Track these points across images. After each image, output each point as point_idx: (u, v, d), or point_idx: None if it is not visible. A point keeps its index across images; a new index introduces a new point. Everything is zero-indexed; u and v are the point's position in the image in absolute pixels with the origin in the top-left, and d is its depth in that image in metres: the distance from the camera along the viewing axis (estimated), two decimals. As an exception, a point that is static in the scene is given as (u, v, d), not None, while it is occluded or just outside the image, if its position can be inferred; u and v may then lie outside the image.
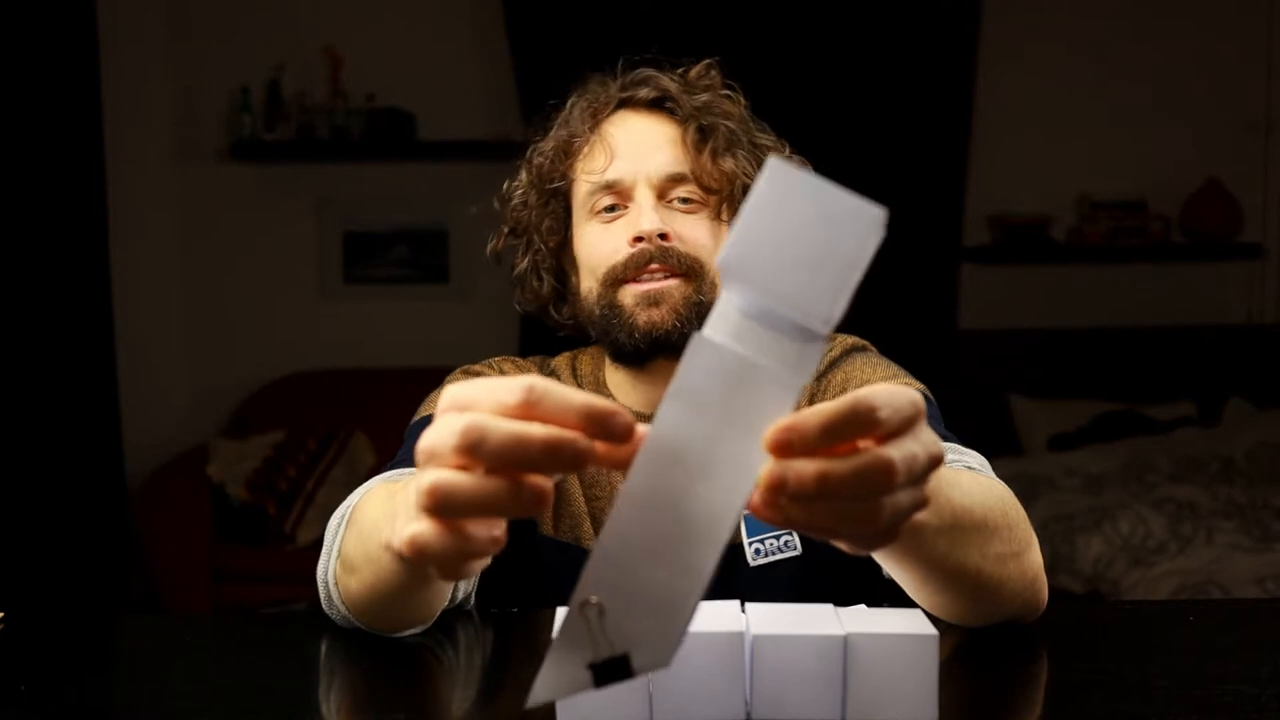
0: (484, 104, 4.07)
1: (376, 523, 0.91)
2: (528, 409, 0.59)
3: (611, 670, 0.59)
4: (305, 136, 4.02)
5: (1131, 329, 4.27)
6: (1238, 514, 3.42)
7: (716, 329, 0.60)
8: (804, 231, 0.57)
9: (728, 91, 1.29)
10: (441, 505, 0.60)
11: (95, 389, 3.57)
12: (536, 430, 0.58)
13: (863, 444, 0.61)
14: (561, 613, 0.82)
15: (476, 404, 0.61)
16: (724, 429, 0.59)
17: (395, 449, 1.24)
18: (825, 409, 0.60)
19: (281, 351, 4.15)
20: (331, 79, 4.02)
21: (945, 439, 1.17)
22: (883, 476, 0.60)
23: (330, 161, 4.14)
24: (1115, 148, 4.26)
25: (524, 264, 1.34)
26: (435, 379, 1.31)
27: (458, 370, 1.31)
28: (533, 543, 1.26)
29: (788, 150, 1.31)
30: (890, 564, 0.95)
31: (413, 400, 1.29)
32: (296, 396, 4.04)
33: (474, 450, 0.59)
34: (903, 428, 0.62)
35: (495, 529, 0.62)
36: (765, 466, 0.58)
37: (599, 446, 0.60)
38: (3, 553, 3.16)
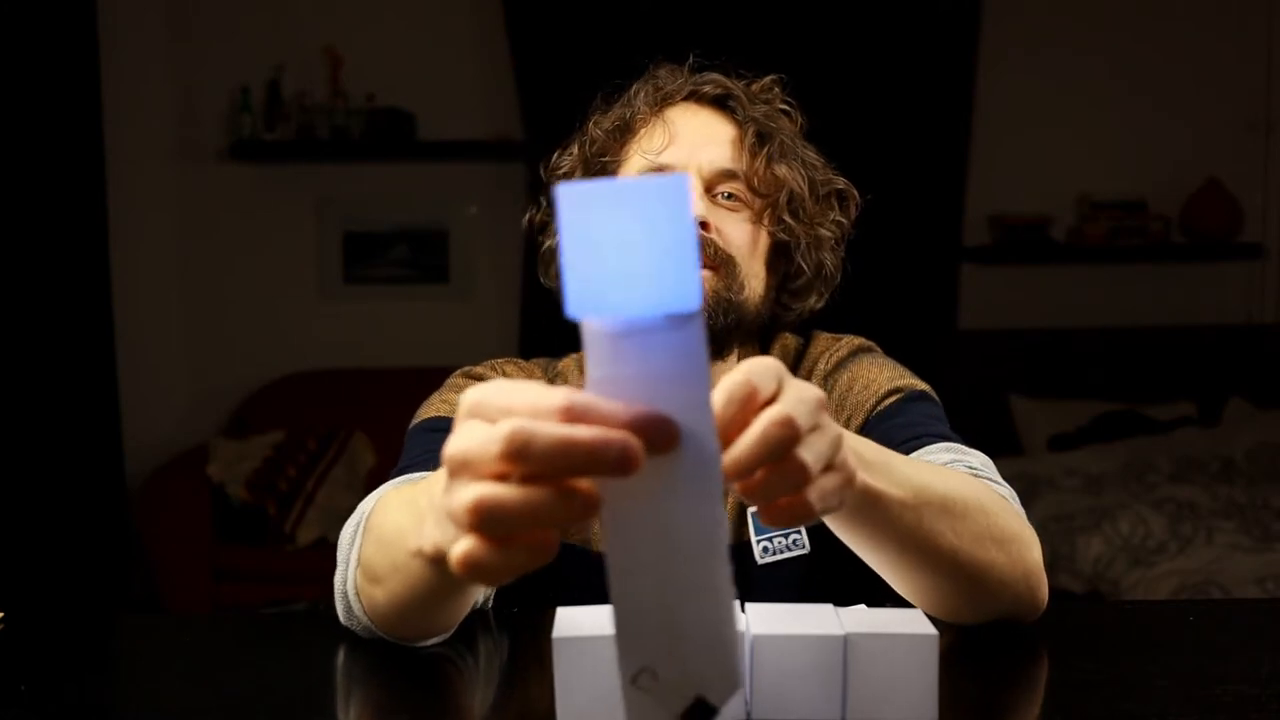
0: (484, 104, 4.06)
1: (401, 529, 0.89)
2: (570, 418, 0.57)
3: (697, 716, 0.58)
4: (305, 136, 4.02)
5: (1132, 329, 4.27)
6: (1238, 514, 3.42)
7: (599, 366, 0.58)
8: (623, 235, 0.55)
9: (786, 108, 1.32)
10: (489, 522, 0.57)
11: (95, 389, 3.57)
12: (583, 432, 0.56)
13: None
14: (563, 613, 0.82)
15: (512, 409, 0.58)
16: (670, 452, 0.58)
17: (395, 449, 1.24)
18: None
19: (281, 351, 4.15)
20: (331, 79, 4.02)
21: (948, 438, 1.17)
22: (779, 431, 0.65)
23: (330, 162, 4.14)
24: (1115, 148, 4.26)
25: (556, 238, 1.33)
26: (435, 379, 1.31)
27: (457, 373, 1.31)
28: None
29: (833, 173, 1.33)
30: (863, 546, 0.96)
31: (413, 400, 1.28)
32: (296, 396, 4.04)
33: (519, 456, 0.56)
34: (776, 391, 0.67)
35: (547, 536, 0.59)
36: (716, 457, 0.58)
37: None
38: (3, 553, 3.16)
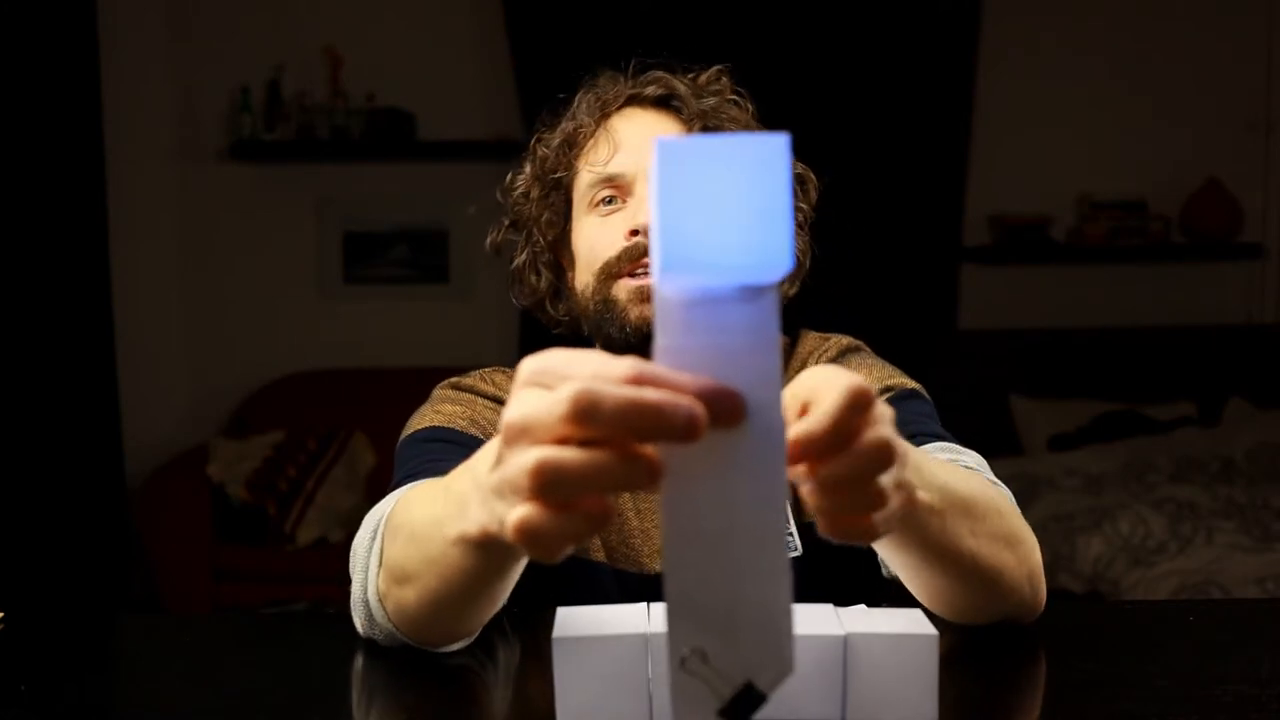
0: (484, 104, 4.06)
1: (436, 520, 0.86)
2: (636, 383, 0.55)
3: (743, 704, 0.57)
4: (305, 136, 4.02)
5: (1132, 329, 4.27)
6: (1238, 514, 3.41)
7: (668, 334, 0.57)
8: (717, 194, 0.54)
9: (735, 98, 1.29)
10: (551, 485, 0.56)
11: (95, 389, 3.56)
12: (651, 394, 0.54)
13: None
14: (563, 613, 0.82)
15: (575, 375, 0.57)
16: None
17: (394, 450, 1.22)
18: (828, 410, 0.62)
19: (281, 351, 4.15)
20: (331, 79, 4.02)
21: (941, 438, 1.17)
22: (883, 455, 0.64)
23: (330, 161, 4.14)
24: (1115, 148, 4.25)
25: (522, 257, 1.33)
26: (435, 379, 1.30)
27: (444, 385, 1.29)
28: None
29: (795, 162, 1.30)
30: (891, 550, 0.95)
31: (413, 400, 1.28)
32: (296, 396, 4.04)
33: (586, 417, 0.54)
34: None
35: (606, 503, 0.57)
36: (781, 433, 0.57)
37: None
38: (3, 553, 3.15)
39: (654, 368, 0.56)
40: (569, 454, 0.55)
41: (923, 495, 0.83)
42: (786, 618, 0.57)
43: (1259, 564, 3.04)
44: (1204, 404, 4.12)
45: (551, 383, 0.58)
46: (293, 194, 4.14)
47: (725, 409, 0.55)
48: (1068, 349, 4.25)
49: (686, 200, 0.54)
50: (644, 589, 1.20)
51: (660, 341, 0.56)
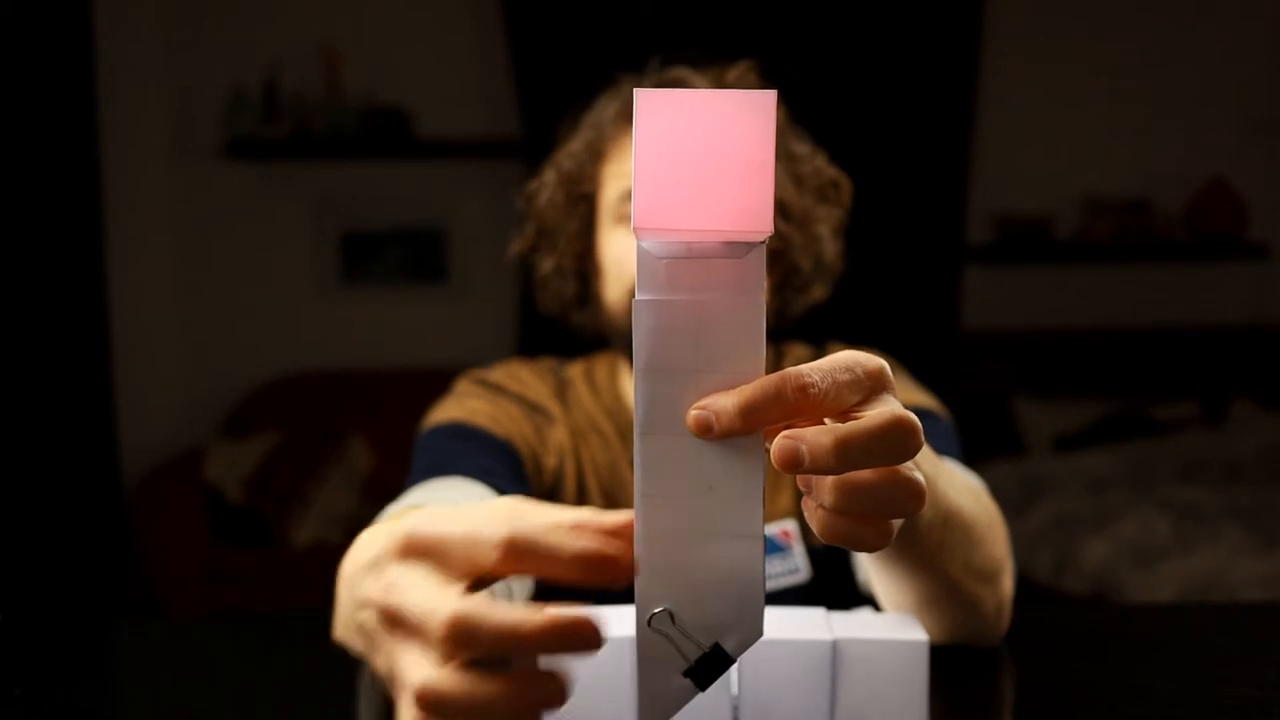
0: (482, 102, 4.05)
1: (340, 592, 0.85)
2: (512, 562, 0.52)
3: (709, 667, 0.56)
4: (302, 135, 4.00)
5: (1136, 329, 4.25)
6: (1243, 516, 3.39)
7: (650, 289, 0.56)
8: (700, 148, 0.53)
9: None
10: (438, 712, 0.51)
11: (91, 389, 3.56)
12: (533, 622, 0.50)
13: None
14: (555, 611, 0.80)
15: (446, 553, 0.53)
16: (707, 380, 0.55)
17: (394, 450, 1.22)
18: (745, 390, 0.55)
19: (278, 352, 4.14)
20: (328, 77, 4.01)
21: (961, 460, 1.14)
22: (908, 434, 0.54)
23: (327, 160, 4.12)
24: (1119, 146, 4.24)
25: (549, 266, 1.31)
26: (434, 379, 1.29)
27: (468, 376, 1.29)
28: None
29: (823, 161, 1.29)
30: (879, 559, 0.90)
31: (412, 400, 1.27)
32: (294, 397, 4.02)
33: (464, 644, 0.50)
34: (876, 388, 0.56)
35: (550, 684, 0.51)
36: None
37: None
38: (-3, 554, 3.15)
39: (529, 529, 0.52)
40: (452, 684, 0.51)
41: (926, 511, 0.79)
42: (757, 581, 0.56)
43: (1264, 566, 3.02)
44: (1209, 405, 4.11)
45: (429, 560, 0.54)
46: (289, 193, 4.13)
47: (571, 645, 0.51)
48: (1071, 349, 4.24)
49: (667, 152, 0.53)
50: None
51: (641, 296, 0.55)
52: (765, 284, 0.56)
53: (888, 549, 0.86)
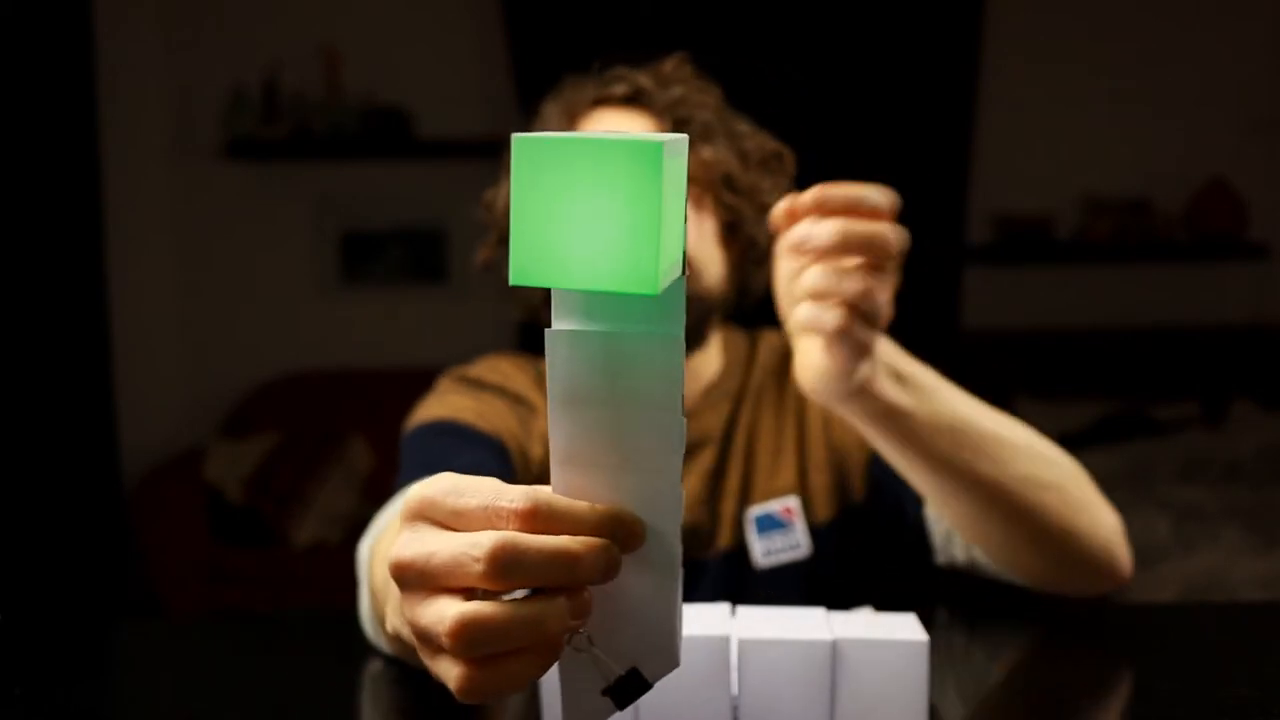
0: (482, 102, 4.05)
1: (380, 594, 0.84)
2: (535, 524, 0.52)
3: (628, 688, 0.57)
4: (302, 135, 4.00)
5: (1136, 329, 4.25)
6: (1243, 516, 3.39)
7: (565, 320, 0.55)
8: (581, 199, 0.50)
9: (700, 84, 1.28)
10: (475, 644, 0.51)
11: (91, 389, 3.56)
12: (570, 544, 0.52)
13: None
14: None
15: (463, 509, 0.53)
16: (624, 413, 0.54)
17: (394, 450, 1.22)
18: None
19: (278, 352, 4.13)
20: (328, 77, 4.01)
21: None
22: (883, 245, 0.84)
23: (327, 160, 4.12)
24: (1119, 146, 4.24)
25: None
26: (433, 379, 1.29)
27: (450, 374, 1.29)
28: None
29: (765, 137, 1.30)
30: (911, 474, 1.01)
31: (412, 400, 1.27)
32: (294, 397, 4.02)
33: (507, 572, 0.51)
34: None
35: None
36: (681, 427, 0.54)
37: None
38: (-3, 554, 3.15)
39: (549, 497, 0.53)
40: (489, 611, 0.51)
41: (909, 402, 0.95)
42: (673, 612, 0.56)
43: (1264, 566, 3.02)
44: (1209, 405, 4.10)
45: (442, 518, 0.54)
46: (289, 193, 4.13)
47: (628, 538, 0.54)
48: (1071, 349, 4.24)
49: (545, 202, 0.50)
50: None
51: (557, 325, 0.55)
52: (684, 318, 0.55)
53: (907, 459, 0.99)
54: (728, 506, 1.25)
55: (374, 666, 0.99)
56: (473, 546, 0.51)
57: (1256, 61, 4.23)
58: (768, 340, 1.36)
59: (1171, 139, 4.21)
